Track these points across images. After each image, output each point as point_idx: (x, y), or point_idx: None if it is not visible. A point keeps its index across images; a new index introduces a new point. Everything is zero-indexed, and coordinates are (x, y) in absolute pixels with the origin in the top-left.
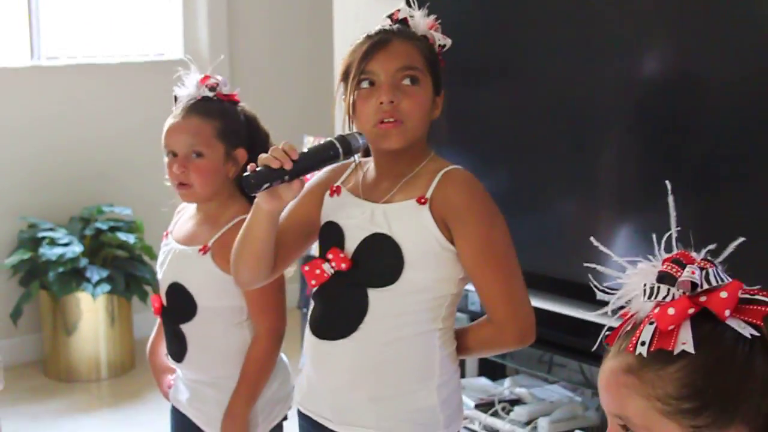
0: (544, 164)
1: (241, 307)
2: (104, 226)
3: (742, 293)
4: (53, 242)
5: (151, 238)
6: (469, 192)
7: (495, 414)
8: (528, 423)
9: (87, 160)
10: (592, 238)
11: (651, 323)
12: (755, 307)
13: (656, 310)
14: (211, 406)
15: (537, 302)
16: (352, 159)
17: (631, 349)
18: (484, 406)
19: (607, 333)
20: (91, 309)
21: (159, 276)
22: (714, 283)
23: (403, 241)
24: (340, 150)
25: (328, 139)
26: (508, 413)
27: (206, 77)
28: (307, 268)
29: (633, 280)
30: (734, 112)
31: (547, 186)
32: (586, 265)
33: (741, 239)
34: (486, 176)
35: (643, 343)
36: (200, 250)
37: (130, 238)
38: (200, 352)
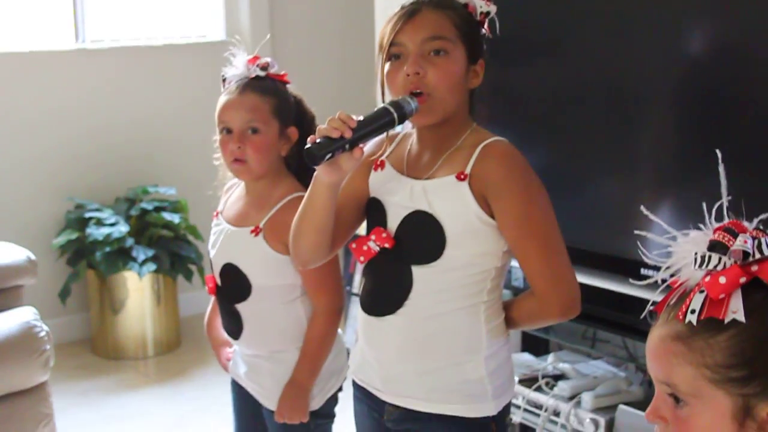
0: (587, 139)
1: (294, 285)
2: (149, 206)
3: None
4: (100, 222)
5: (196, 218)
6: (507, 165)
7: (539, 389)
8: (571, 398)
9: (131, 141)
10: (642, 207)
11: (701, 291)
12: None
13: (707, 279)
14: (267, 379)
15: (581, 278)
16: (400, 129)
17: (681, 317)
18: (528, 381)
19: (655, 303)
20: (137, 288)
21: (211, 256)
22: (766, 253)
23: (443, 218)
24: (395, 115)
25: (382, 105)
26: (551, 388)
27: (256, 57)
28: (354, 245)
29: (684, 249)
30: None
31: (591, 161)
32: (636, 232)
33: None
34: (529, 151)
35: (693, 311)
36: (252, 231)
37: (175, 218)
38: (256, 329)
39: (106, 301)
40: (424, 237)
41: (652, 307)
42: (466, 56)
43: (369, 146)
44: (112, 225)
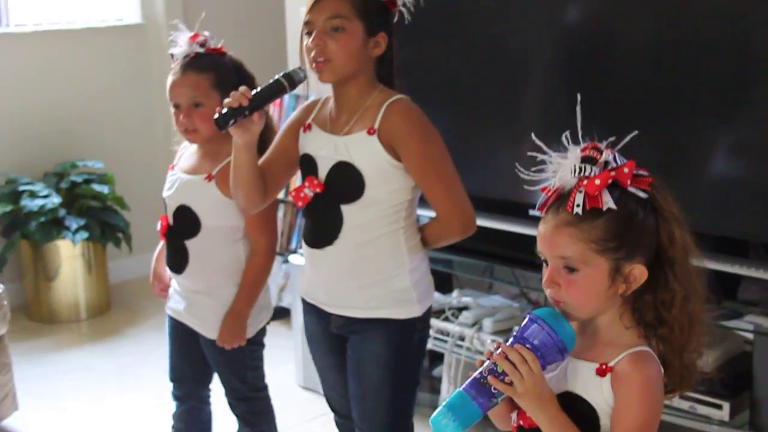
0: (481, 101)
1: (237, 227)
2: (79, 179)
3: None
4: (33, 195)
5: (121, 190)
6: (408, 118)
7: (446, 319)
8: (474, 324)
9: (58, 119)
10: (533, 135)
11: (580, 191)
12: (643, 179)
13: (585, 182)
14: (206, 312)
15: (481, 221)
16: (297, 91)
17: (570, 209)
18: (436, 313)
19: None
20: (69, 256)
21: (166, 198)
22: (618, 164)
23: (361, 166)
24: (286, 84)
25: (275, 77)
26: (456, 317)
27: (196, 35)
28: (293, 193)
29: (562, 162)
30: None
31: (485, 120)
32: (529, 153)
33: (635, 132)
34: (436, 113)
35: (578, 205)
36: (206, 178)
37: (104, 189)
38: (200, 264)
39: (40, 270)
40: (347, 181)
41: (537, 209)
42: (365, 31)
43: (298, 111)
44: (45, 197)
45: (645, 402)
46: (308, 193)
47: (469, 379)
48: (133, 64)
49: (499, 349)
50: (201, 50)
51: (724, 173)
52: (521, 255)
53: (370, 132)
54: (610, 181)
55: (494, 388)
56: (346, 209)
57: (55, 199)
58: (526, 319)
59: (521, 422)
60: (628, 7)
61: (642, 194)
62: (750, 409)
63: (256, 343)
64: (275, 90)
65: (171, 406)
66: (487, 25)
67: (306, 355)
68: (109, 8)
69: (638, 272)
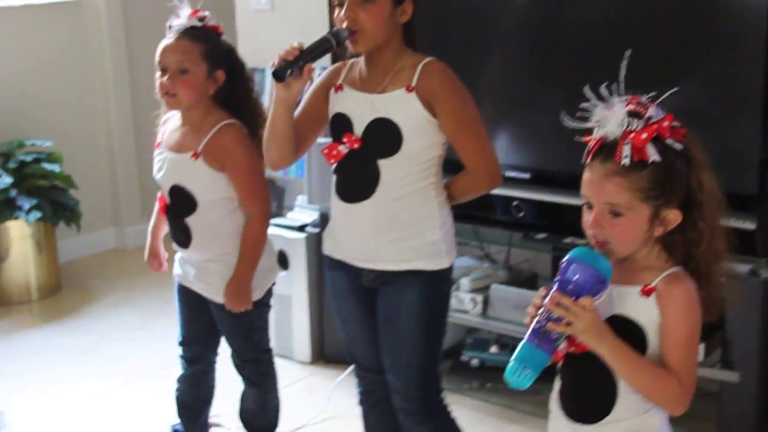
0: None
1: (232, 197)
2: (28, 158)
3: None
4: None
5: (69, 168)
6: (445, 78)
7: None
8: None
9: (1, 98)
10: (586, 88)
11: (627, 143)
12: (677, 130)
13: (632, 135)
14: (216, 278)
15: None
16: (343, 48)
17: (618, 160)
18: None
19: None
20: (20, 237)
21: (158, 180)
22: (658, 117)
23: (399, 121)
24: (333, 41)
25: (323, 35)
26: None
27: (197, 10)
28: (326, 151)
29: (607, 113)
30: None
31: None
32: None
33: (675, 88)
34: None
35: (626, 157)
36: (192, 156)
37: (56, 168)
38: (203, 237)
39: None
40: (385, 136)
41: (584, 159)
42: (392, 1)
43: (325, 74)
44: None
45: (689, 314)
46: (342, 150)
47: (530, 331)
48: (72, 43)
49: (548, 297)
50: (198, 24)
51: None
52: (480, 213)
53: (409, 90)
54: (654, 135)
55: (555, 333)
56: (383, 164)
57: (7, 179)
58: (564, 263)
59: (572, 349)
60: None
61: (678, 146)
62: (722, 348)
63: (264, 304)
64: (323, 46)
65: (173, 371)
66: None
67: (279, 321)
68: None
69: (674, 216)
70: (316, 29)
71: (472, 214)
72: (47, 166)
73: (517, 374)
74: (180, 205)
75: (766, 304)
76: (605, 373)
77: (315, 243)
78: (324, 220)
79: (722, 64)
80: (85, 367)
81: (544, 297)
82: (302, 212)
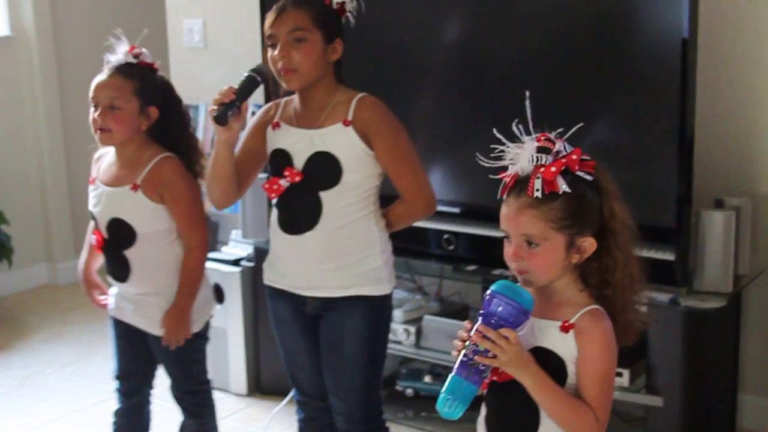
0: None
1: (170, 228)
2: None
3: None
4: None
5: (1, 204)
6: (379, 112)
7: None
8: None
9: None
10: (494, 131)
11: (538, 177)
12: (587, 162)
13: (542, 170)
14: (155, 311)
15: None
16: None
17: (530, 193)
18: None
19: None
20: None
21: (95, 214)
22: (567, 152)
23: (338, 153)
24: (258, 78)
25: (247, 74)
26: None
27: (133, 47)
28: (266, 185)
29: (518, 151)
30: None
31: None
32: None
33: (580, 124)
34: None
35: (537, 190)
36: (132, 188)
37: None
38: (142, 270)
39: None
40: (326, 169)
41: (500, 194)
42: (323, 39)
43: (259, 114)
44: None
45: (606, 352)
46: (283, 184)
47: (457, 364)
48: (3, 78)
49: (473, 330)
50: (134, 60)
51: None
52: (412, 246)
53: (346, 123)
54: (563, 167)
55: (482, 365)
56: (324, 195)
57: None
58: (487, 297)
59: (494, 378)
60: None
61: (588, 177)
62: (646, 374)
63: (202, 336)
64: (252, 83)
65: (107, 406)
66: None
67: (215, 354)
68: None
69: (588, 244)
70: (248, 66)
71: (405, 247)
72: None
73: (448, 405)
74: (118, 237)
75: (686, 331)
76: (528, 400)
77: (250, 276)
78: (258, 254)
79: (641, 102)
80: (19, 402)
81: (470, 330)
82: (237, 246)
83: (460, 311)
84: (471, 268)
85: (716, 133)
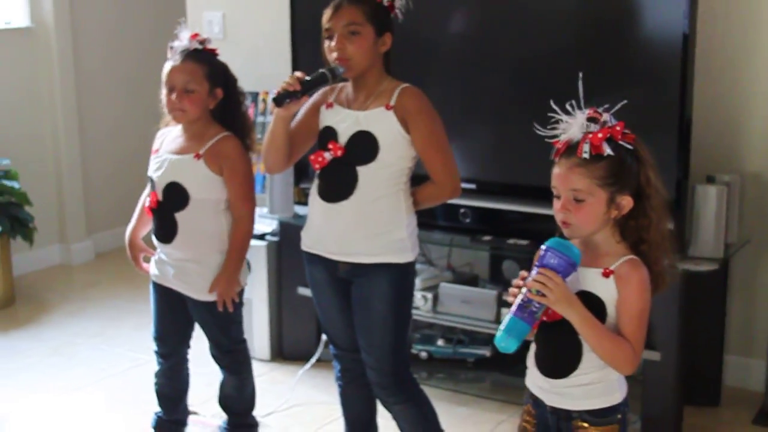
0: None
1: (221, 199)
2: None
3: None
4: None
5: (25, 186)
6: (419, 101)
7: None
8: None
9: None
10: (552, 102)
11: (587, 142)
12: (628, 135)
13: (590, 136)
14: (195, 278)
15: None
16: (339, 82)
17: (580, 154)
18: None
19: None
20: None
21: (155, 178)
22: (612, 123)
23: (377, 134)
24: (329, 76)
25: (321, 70)
26: None
27: (196, 34)
28: (312, 156)
29: (571, 121)
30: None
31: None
32: (549, 115)
33: (624, 101)
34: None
35: (586, 152)
36: (195, 156)
37: (15, 185)
38: (187, 233)
39: None
40: (365, 147)
41: (552, 157)
42: (374, 33)
43: (317, 95)
44: None
45: (642, 295)
46: (327, 156)
47: (514, 307)
48: (23, 68)
49: (529, 278)
50: (199, 47)
51: None
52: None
53: (388, 108)
54: (608, 135)
55: (534, 305)
56: (361, 170)
57: None
58: (542, 251)
59: (544, 318)
60: None
61: (628, 146)
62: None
63: (240, 300)
64: (320, 80)
65: (146, 367)
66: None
67: None
68: None
69: (626, 202)
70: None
71: (421, 221)
72: (6, 182)
73: (505, 341)
74: (172, 200)
75: (682, 291)
76: (572, 337)
77: (275, 250)
78: (283, 229)
79: (647, 91)
80: (54, 368)
81: (524, 279)
82: (262, 222)
83: (470, 280)
84: (486, 238)
85: (709, 117)
